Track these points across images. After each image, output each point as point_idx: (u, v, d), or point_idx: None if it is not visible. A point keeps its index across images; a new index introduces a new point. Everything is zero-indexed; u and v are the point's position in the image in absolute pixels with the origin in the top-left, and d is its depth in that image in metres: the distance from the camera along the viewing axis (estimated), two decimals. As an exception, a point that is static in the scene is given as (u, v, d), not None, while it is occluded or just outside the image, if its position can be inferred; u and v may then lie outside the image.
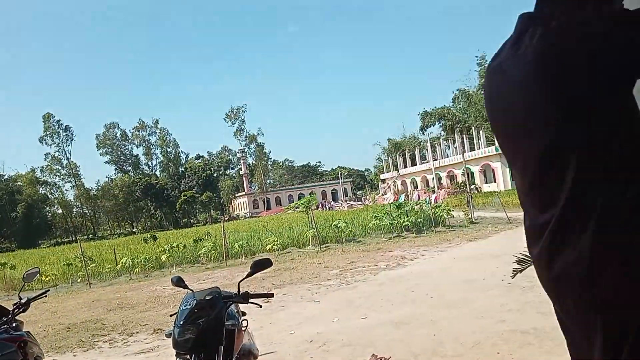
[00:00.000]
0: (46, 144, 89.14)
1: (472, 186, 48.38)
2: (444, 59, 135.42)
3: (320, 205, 62.84)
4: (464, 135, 56.13)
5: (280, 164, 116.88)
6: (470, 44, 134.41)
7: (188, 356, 3.17)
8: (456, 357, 5.26)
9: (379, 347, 5.92)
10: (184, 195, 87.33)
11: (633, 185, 0.49)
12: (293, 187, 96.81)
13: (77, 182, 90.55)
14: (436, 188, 54.68)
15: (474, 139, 55.03)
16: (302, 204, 23.50)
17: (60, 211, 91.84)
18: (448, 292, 8.64)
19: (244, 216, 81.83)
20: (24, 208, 79.38)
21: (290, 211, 47.18)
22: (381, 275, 11.58)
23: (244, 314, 3.85)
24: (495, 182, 48.90)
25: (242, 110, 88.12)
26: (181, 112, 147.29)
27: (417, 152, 65.97)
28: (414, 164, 65.63)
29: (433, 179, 57.47)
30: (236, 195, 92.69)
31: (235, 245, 20.19)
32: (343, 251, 17.68)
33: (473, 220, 22.69)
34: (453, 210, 23.88)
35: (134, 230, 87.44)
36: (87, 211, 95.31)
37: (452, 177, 56.62)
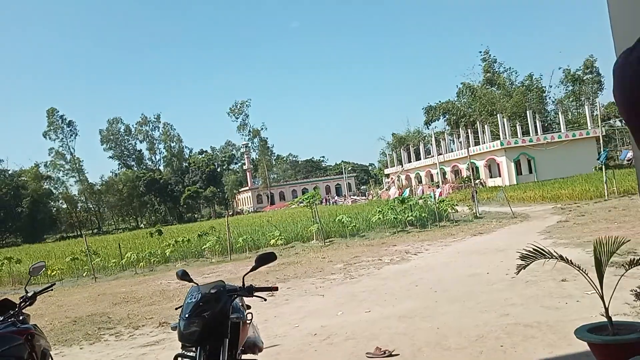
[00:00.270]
0: (50, 139, 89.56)
1: (477, 181, 48.27)
2: (448, 54, 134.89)
3: (324, 200, 62.96)
4: (469, 130, 55.95)
5: (284, 158, 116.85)
6: (473, 38, 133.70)
7: (194, 349, 3.20)
8: (460, 351, 5.28)
9: (383, 340, 5.95)
10: (187, 190, 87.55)
11: None
12: (297, 182, 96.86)
13: (81, 177, 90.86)
14: (440, 183, 54.56)
15: (479, 133, 54.84)
16: (306, 198, 23.51)
17: (65, 206, 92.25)
18: (452, 286, 8.66)
19: (248, 211, 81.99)
20: (29, 203, 79.71)
21: (294, 206, 47.26)
22: (385, 269, 11.61)
23: (248, 307, 3.88)
24: (500, 176, 48.76)
25: (247, 105, 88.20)
26: (184, 107, 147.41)
27: (421, 147, 65.83)
28: (418, 158, 65.48)
29: (437, 173, 57.33)
30: (240, 190, 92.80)
31: (240, 239, 20.26)
32: (347, 246, 17.71)
33: (477, 214, 22.67)
34: (457, 205, 23.85)
35: (140, 225, 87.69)
36: (91, 206, 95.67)
37: (456, 172, 56.49)
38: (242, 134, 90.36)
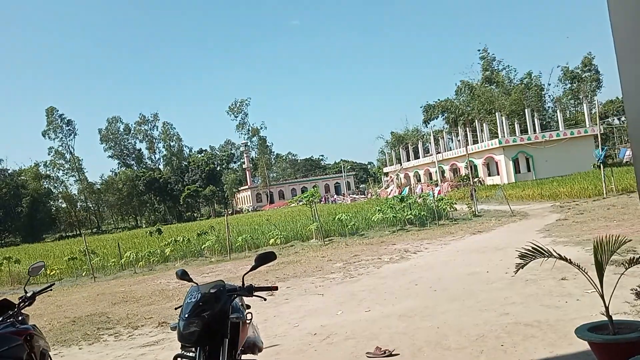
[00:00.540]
0: (49, 138, 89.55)
1: (475, 179, 48.32)
2: (447, 52, 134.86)
3: (323, 199, 62.95)
4: (467, 128, 55.99)
5: (283, 157, 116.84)
6: (472, 36, 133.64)
7: (193, 349, 3.19)
8: (460, 350, 5.28)
9: (383, 340, 5.94)
10: (187, 189, 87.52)
11: None
12: (296, 180, 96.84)
13: (80, 177, 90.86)
14: (439, 181, 54.61)
15: (477, 132, 54.87)
16: (305, 197, 23.50)
17: (64, 205, 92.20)
18: (451, 285, 8.65)
19: (247, 210, 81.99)
20: (28, 202, 79.66)
21: (293, 205, 47.24)
22: (385, 268, 11.60)
23: (248, 307, 3.87)
24: (498, 175, 48.80)
25: (246, 104, 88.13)
26: (183, 107, 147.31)
27: (420, 145, 65.87)
28: (417, 157, 65.54)
29: (436, 172, 57.37)
30: (239, 189, 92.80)
31: (239, 238, 20.25)
32: (346, 244, 17.71)
33: (476, 213, 22.69)
34: (456, 204, 23.87)
35: (140, 224, 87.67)
36: (91, 205, 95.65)
37: (455, 170, 56.54)
38: (241, 133, 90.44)
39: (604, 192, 23.91)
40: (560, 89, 72.79)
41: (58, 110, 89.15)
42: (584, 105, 54.49)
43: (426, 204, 23.27)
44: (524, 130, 51.83)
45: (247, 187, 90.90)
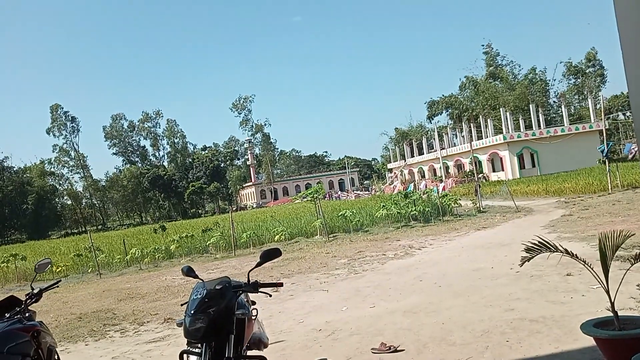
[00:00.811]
0: (54, 135, 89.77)
1: (480, 175, 48.21)
2: (451, 48, 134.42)
3: (327, 195, 62.93)
4: (472, 124, 55.81)
5: (287, 154, 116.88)
6: (476, 32, 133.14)
7: (199, 345, 3.21)
8: (465, 346, 5.28)
9: (388, 335, 5.95)
10: (192, 186, 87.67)
11: None
12: (300, 177, 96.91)
13: (85, 174, 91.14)
14: (443, 177, 54.51)
15: (482, 128, 54.70)
16: (309, 193, 23.49)
17: (69, 202, 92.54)
18: (456, 281, 8.65)
19: (252, 206, 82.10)
20: (33, 200, 79.96)
21: (297, 201, 47.32)
22: (389, 264, 11.60)
23: (253, 303, 3.88)
24: (503, 170, 48.67)
25: (250, 100, 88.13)
26: (187, 104, 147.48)
27: (424, 141, 65.73)
28: (421, 153, 65.43)
29: (440, 168, 57.28)
30: (244, 185, 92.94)
31: (244, 235, 20.28)
32: (351, 241, 17.71)
33: (481, 209, 22.65)
34: (461, 200, 23.82)
35: (145, 221, 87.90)
36: (96, 202, 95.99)
37: (459, 166, 56.41)
38: (245, 129, 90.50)
39: (609, 187, 23.81)
40: (564, 84, 72.49)
41: (63, 108, 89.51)
42: (589, 100, 54.20)
43: (430, 200, 23.23)
44: (528, 126, 51.64)
45: (251, 183, 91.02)
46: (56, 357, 3.98)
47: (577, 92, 70.67)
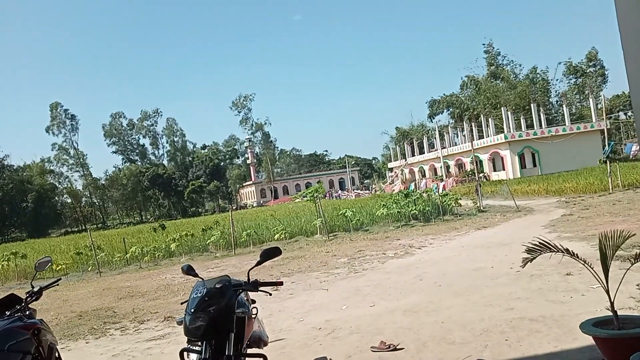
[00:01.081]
0: (53, 134, 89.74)
1: (481, 174, 48.20)
2: (452, 47, 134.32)
3: (327, 194, 62.94)
4: (473, 123, 55.78)
5: (288, 153, 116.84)
6: (477, 31, 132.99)
7: (199, 343, 3.22)
8: (464, 345, 5.28)
9: (387, 334, 5.96)
10: (191, 185, 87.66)
11: None
12: (300, 176, 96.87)
13: (85, 172, 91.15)
14: (444, 176, 54.50)
15: (483, 127, 54.67)
16: (309, 192, 23.48)
17: (69, 201, 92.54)
18: (456, 280, 8.65)
19: (252, 205, 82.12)
20: (33, 198, 79.93)
21: (297, 200, 47.30)
22: (389, 263, 11.61)
23: (253, 301, 3.89)
24: (504, 170, 48.65)
25: (250, 99, 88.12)
26: (187, 102, 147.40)
27: (425, 141, 65.69)
28: (422, 152, 65.39)
29: (441, 167, 57.26)
30: (244, 184, 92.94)
31: (244, 234, 20.28)
32: (351, 240, 17.72)
33: (481, 208, 22.65)
34: (461, 199, 23.82)
35: (145, 220, 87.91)
36: (96, 200, 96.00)
37: (460, 166, 56.38)
38: (245, 128, 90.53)
39: (610, 187, 23.81)
40: (565, 84, 72.45)
41: (62, 106, 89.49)
42: (590, 100, 54.15)
43: (431, 199, 23.23)
44: (529, 125, 51.61)
45: (251, 182, 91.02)
46: (57, 355, 3.99)
47: (578, 91, 70.63)
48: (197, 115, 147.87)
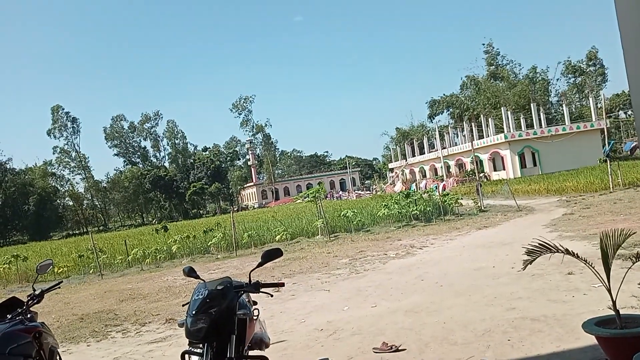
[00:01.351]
0: (54, 137, 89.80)
1: (481, 174, 48.19)
2: (452, 47, 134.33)
3: (328, 195, 62.93)
4: (473, 123, 55.77)
5: (288, 154, 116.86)
6: (477, 31, 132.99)
7: (201, 345, 3.21)
8: (466, 345, 5.28)
9: (389, 335, 5.95)
10: (193, 187, 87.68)
11: None
12: (301, 177, 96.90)
13: (86, 175, 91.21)
14: (445, 176, 54.48)
15: (483, 127, 54.66)
16: (310, 193, 23.50)
17: (71, 203, 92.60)
18: (457, 280, 8.64)
19: (253, 206, 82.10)
20: (35, 201, 79.98)
21: (299, 201, 47.34)
22: (390, 264, 11.60)
23: (255, 303, 3.89)
24: (504, 169, 48.62)
25: (250, 101, 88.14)
26: (188, 104, 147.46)
27: (425, 141, 65.68)
28: (422, 152, 65.38)
29: (442, 167, 57.25)
30: (245, 185, 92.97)
31: (245, 235, 20.28)
32: (352, 240, 17.71)
33: (482, 208, 22.63)
34: (462, 199, 23.80)
35: (146, 222, 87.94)
36: (97, 203, 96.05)
37: (460, 166, 56.36)
38: (246, 130, 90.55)
39: (611, 186, 23.79)
40: (564, 83, 72.44)
41: (64, 108, 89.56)
42: (590, 99, 54.13)
43: (432, 199, 23.21)
44: (529, 125, 51.59)
45: (252, 183, 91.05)
46: (58, 358, 3.99)
47: (577, 91, 70.62)
48: (197, 117, 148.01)
